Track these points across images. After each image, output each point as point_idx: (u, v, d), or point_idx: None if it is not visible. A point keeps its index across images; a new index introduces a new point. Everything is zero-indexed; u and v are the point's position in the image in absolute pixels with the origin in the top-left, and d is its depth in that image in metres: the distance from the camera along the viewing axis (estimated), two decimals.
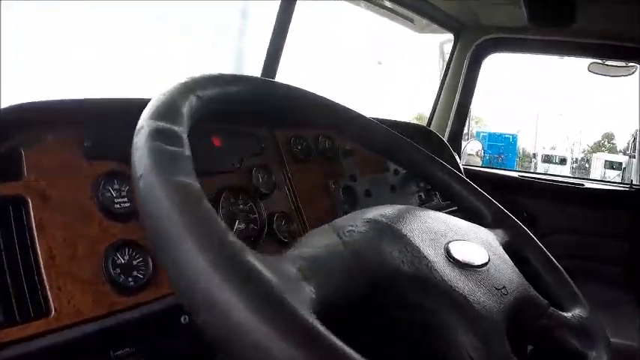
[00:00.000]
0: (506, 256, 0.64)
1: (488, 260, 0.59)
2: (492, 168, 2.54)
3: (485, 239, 0.64)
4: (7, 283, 0.65)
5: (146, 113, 0.44)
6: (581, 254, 2.25)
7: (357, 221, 0.55)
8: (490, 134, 14.11)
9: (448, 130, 2.36)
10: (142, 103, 0.83)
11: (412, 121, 2.15)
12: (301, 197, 1.18)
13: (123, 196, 0.81)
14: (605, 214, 2.20)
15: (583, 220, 2.24)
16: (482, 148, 2.70)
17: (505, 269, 0.61)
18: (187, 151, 0.41)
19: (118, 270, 0.75)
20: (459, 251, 0.57)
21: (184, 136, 0.43)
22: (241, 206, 1.02)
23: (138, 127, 0.43)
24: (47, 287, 0.67)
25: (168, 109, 0.45)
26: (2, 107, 0.72)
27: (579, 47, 2.13)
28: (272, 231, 1.05)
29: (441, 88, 2.37)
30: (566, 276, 0.74)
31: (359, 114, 0.78)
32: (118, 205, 0.80)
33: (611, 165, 18.62)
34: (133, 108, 0.85)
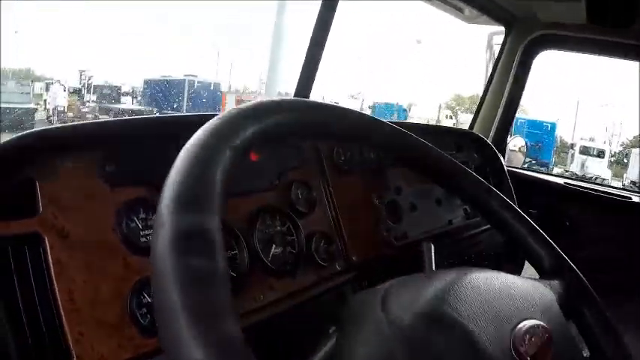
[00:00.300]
0: (569, 331, 0.60)
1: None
2: (535, 171, 2.41)
3: (549, 309, 0.59)
4: (25, 330, 0.60)
5: (167, 199, 0.35)
6: (623, 269, 2.14)
7: (412, 313, 0.49)
8: (529, 121, 13.72)
9: (493, 130, 2.25)
10: (165, 122, 0.76)
11: (458, 126, 2.03)
12: (342, 214, 1.13)
13: (149, 226, 0.74)
14: None
15: (628, 235, 2.11)
16: (526, 144, 2.57)
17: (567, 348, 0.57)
18: (222, 263, 0.33)
19: (145, 310, 0.70)
20: (526, 342, 0.52)
21: (217, 231, 0.34)
22: (278, 227, 0.98)
23: (158, 221, 0.34)
24: (68, 333, 0.63)
25: (195, 188, 0.36)
26: (15, 136, 0.65)
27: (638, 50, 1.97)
28: (310, 253, 1.01)
29: (488, 84, 2.24)
30: (621, 337, 0.68)
31: (405, 132, 0.69)
32: (145, 239, 0.73)
33: None
34: (156, 127, 0.82)
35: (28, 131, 0.66)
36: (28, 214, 0.64)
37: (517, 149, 2.61)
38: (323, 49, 1.41)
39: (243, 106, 0.45)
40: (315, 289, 1.01)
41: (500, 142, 2.30)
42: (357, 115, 0.60)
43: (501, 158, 1.97)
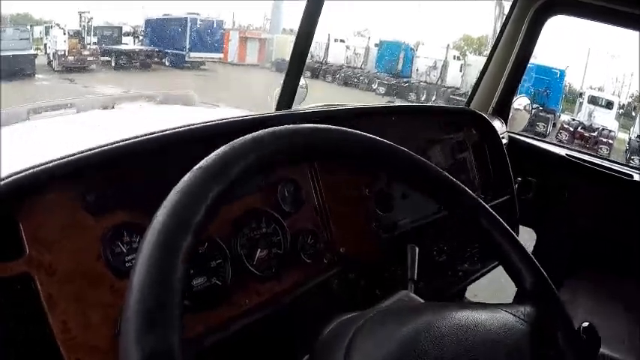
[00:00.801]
0: None
1: None
2: (538, 140, 2.35)
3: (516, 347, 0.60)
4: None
5: (129, 324, 0.36)
6: (617, 248, 2.14)
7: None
8: (538, 67, 13.30)
9: (496, 97, 2.18)
10: (142, 144, 0.75)
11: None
12: (331, 208, 1.12)
13: (134, 249, 0.75)
14: None
15: (626, 213, 2.10)
16: (531, 102, 2.50)
17: None
18: None
19: None
20: None
21: (177, 348, 0.36)
22: (264, 229, 0.97)
23: (122, 340, 0.36)
24: None
25: (158, 299, 0.37)
26: None
27: None
28: (296, 252, 1.01)
29: (492, 50, 2.16)
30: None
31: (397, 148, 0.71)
32: (130, 263, 0.75)
33: None
34: (133, 151, 0.81)
35: (5, 175, 0.67)
36: (15, 255, 0.67)
37: (522, 108, 2.54)
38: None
39: (206, 162, 0.45)
40: (301, 287, 1.01)
41: (503, 110, 2.25)
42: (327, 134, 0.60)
43: (499, 135, 1.93)
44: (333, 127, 0.62)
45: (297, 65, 1.60)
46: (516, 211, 1.69)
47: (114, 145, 0.79)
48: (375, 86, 15.84)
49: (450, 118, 1.52)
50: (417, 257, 1.02)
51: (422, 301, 0.88)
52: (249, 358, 0.86)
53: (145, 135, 0.83)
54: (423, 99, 13.86)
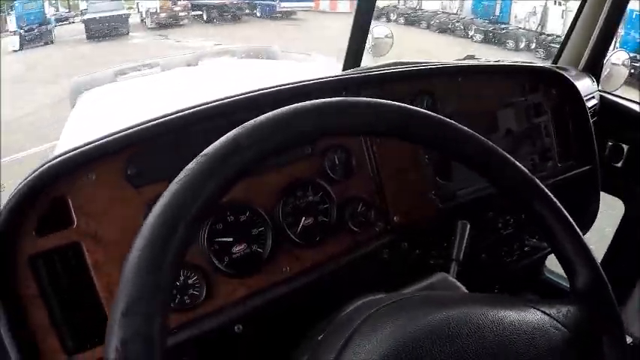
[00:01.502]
0: None
1: None
2: (632, 101, 2.09)
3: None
4: (76, 321, 0.75)
5: (118, 305, 0.37)
6: None
7: None
8: None
9: (588, 51, 1.96)
10: (179, 119, 0.86)
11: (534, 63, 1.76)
12: (386, 176, 1.08)
13: None
14: None
15: None
16: (631, 57, 2.23)
17: None
18: None
19: (174, 292, 0.80)
20: None
21: (158, 332, 0.37)
22: (310, 198, 0.97)
23: (108, 325, 0.37)
24: None
25: (142, 291, 0.37)
26: (45, 162, 0.73)
27: None
28: (344, 221, 0.99)
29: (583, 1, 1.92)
30: None
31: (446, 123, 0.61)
32: None
33: None
34: (171, 124, 0.84)
35: (53, 157, 0.74)
36: (66, 226, 0.76)
37: (620, 63, 2.28)
38: None
39: (197, 162, 0.44)
40: (347, 256, 1.00)
41: (595, 66, 2.02)
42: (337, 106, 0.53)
43: (585, 95, 1.73)
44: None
45: (363, 17, 1.52)
46: (598, 183, 1.53)
47: (154, 122, 0.82)
48: (471, 33, 14.89)
49: (527, 78, 1.38)
50: (466, 235, 0.96)
51: (460, 286, 0.83)
52: (289, 325, 0.86)
53: (186, 109, 0.86)
54: (521, 46, 12.82)
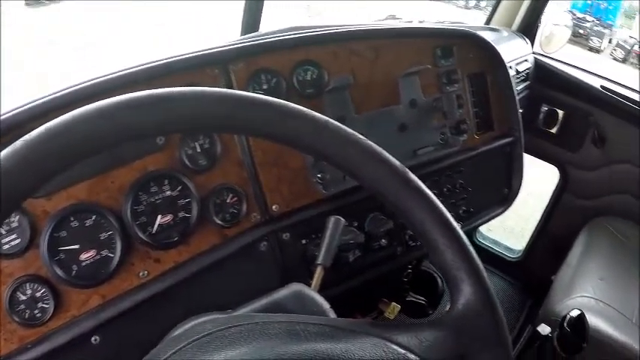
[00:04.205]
0: None
1: None
2: (570, 65, 1.98)
3: None
4: None
5: None
6: None
7: None
8: None
9: (521, 12, 1.83)
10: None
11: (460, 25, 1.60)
12: (262, 162, 0.96)
13: (11, 232, 0.74)
14: None
15: None
16: (573, 16, 2.11)
17: None
18: None
19: (23, 306, 0.75)
20: None
21: None
22: (168, 193, 0.86)
23: None
24: None
25: None
26: None
27: None
28: (209, 215, 0.89)
29: None
30: None
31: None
32: (7, 246, 0.74)
33: None
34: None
35: None
36: None
37: (562, 24, 2.15)
38: None
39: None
40: (214, 253, 0.90)
41: (529, 28, 1.90)
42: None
43: (516, 61, 1.62)
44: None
45: None
46: (521, 154, 1.42)
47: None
48: None
49: (439, 42, 1.24)
50: (338, 234, 0.84)
51: (318, 301, 0.71)
52: (150, 334, 0.76)
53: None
54: (471, 4, 12.45)
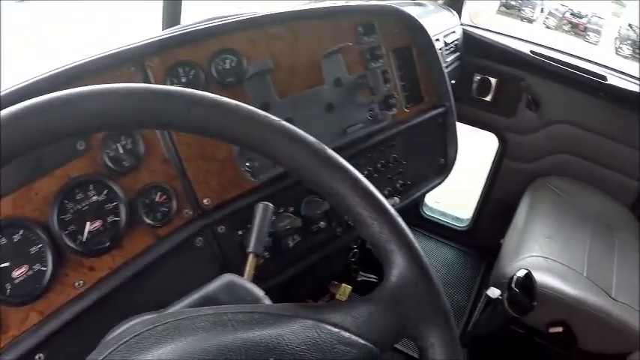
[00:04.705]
0: None
1: None
2: (500, 33, 2.03)
3: None
4: None
5: None
6: (586, 154, 1.93)
7: None
8: None
9: None
10: None
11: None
12: (187, 156, 0.94)
13: None
14: (626, 118, 1.80)
15: (596, 118, 1.84)
16: None
17: None
18: None
19: None
20: None
21: None
22: (95, 198, 0.83)
23: None
24: None
25: None
26: None
27: None
28: (139, 216, 0.87)
29: None
30: None
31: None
32: None
33: None
34: None
35: None
36: None
37: None
38: None
39: None
40: (147, 254, 0.88)
41: (456, 1, 1.94)
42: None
43: (444, 33, 1.64)
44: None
45: None
46: (454, 123, 1.44)
47: None
48: None
49: (360, 19, 1.24)
50: (267, 220, 0.83)
51: (251, 289, 0.69)
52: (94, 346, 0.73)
53: None
54: None
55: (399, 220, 0.46)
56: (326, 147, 0.46)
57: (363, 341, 0.43)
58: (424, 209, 2.35)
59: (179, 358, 0.39)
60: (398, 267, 0.45)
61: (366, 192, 0.45)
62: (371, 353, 0.43)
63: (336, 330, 0.43)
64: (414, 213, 2.34)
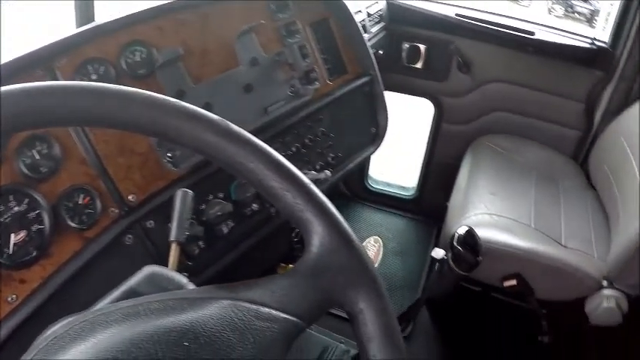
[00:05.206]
0: None
1: None
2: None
3: None
4: None
5: None
6: (522, 110, 1.97)
7: None
8: None
9: None
10: None
11: None
12: (106, 154, 0.91)
13: None
14: (558, 70, 1.85)
15: (528, 73, 1.88)
16: None
17: None
18: None
19: None
20: None
21: None
22: (16, 209, 0.80)
23: None
24: None
25: None
26: None
27: None
28: (63, 221, 0.85)
29: None
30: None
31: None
32: None
33: None
34: None
35: None
36: None
37: None
38: None
39: None
40: (77, 259, 0.86)
41: None
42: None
43: (368, 5, 1.64)
44: None
45: None
46: (381, 91, 1.45)
47: None
48: None
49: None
50: (187, 207, 0.82)
51: (175, 278, 0.68)
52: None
53: None
54: None
55: (314, 187, 0.45)
56: (230, 123, 0.44)
57: (285, 315, 0.41)
58: (369, 182, 2.37)
59: (93, 356, 0.38)
60: (317, 235, 0.43)
61: (276, 164, 0.44)
62: (296, 327, 0.42)
63: (254, 307, 0.41)
64: (359, 186, 2.36)
